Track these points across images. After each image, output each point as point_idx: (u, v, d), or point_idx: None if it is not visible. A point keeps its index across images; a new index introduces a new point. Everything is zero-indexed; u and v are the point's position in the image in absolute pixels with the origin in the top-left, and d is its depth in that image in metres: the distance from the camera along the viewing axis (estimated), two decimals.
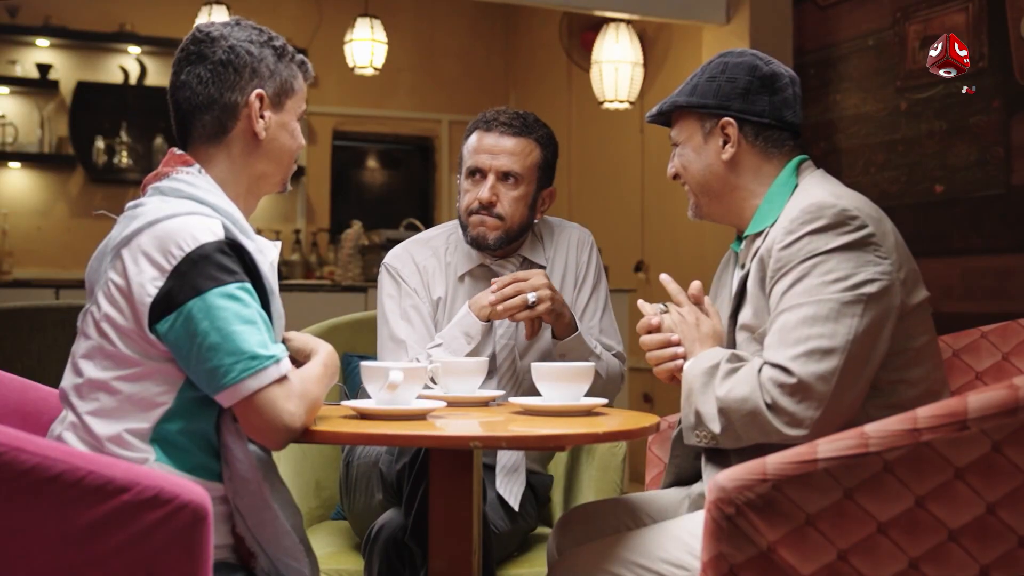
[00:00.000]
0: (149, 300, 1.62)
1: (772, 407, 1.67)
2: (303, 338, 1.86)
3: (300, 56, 1.90)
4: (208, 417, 1.67)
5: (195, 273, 1.61)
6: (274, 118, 1.83)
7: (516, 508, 2.35)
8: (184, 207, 1.69)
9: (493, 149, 2.43)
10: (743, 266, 1.91)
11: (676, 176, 2.02)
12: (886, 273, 1.73)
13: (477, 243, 2.44)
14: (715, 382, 1.75)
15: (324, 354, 1.81)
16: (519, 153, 2.42)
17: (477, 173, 2.44)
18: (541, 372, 1.98)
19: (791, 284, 1.74)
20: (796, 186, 1.89)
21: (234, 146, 1.81)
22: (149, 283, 1.62)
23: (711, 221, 2.03)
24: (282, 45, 1.86)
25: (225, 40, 1.80)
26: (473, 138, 2.47)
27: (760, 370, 1.70)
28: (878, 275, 1.72)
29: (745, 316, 1.86)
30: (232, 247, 1.67)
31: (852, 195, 1.83)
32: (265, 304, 1.71)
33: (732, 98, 1.92)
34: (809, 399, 1.65)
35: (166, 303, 1.61)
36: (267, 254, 1.77)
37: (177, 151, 1.82)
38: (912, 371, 1.77)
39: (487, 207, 2.41)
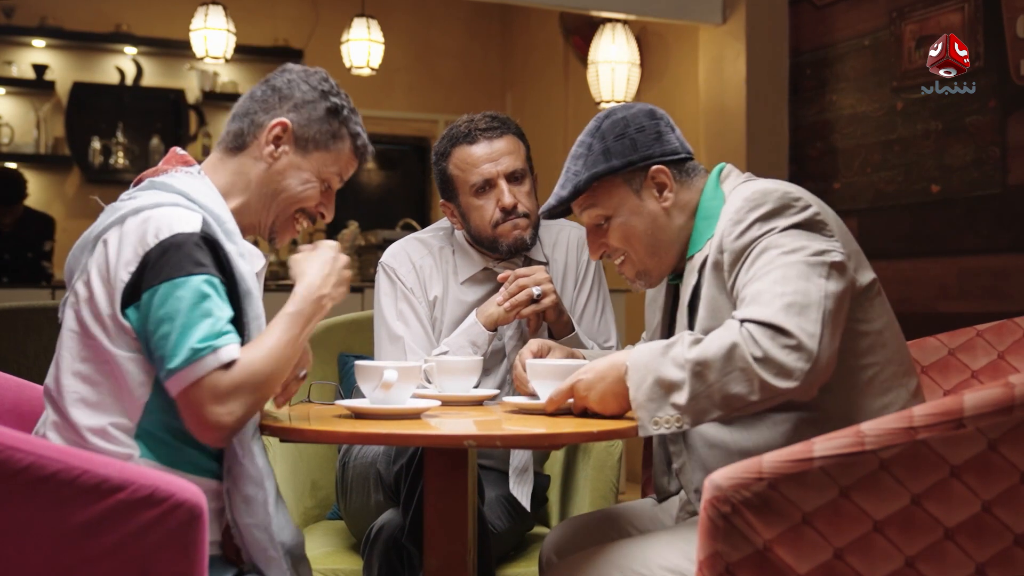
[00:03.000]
0: (122, 285, 1.62)
1: (762, 359, 1.59)
2: (299, 260, 1.80)
3: (360, 132, 1.88)
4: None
5: (163, 261, 1.60)
6: (291, 156, 1.83)
7: (528, 508, 2.35)
8: (169, 199, 1.69)
9: (491, 156, 2.38)
10: (685, 283, 1.88)
11: (606, 255, 1.96)
12: (838, 250, 1.71)
13: (515, 249, 2.40)
14: (679, 351, 1.66)
15: (299, 293, 1.72)
16: (514, 151, 2.40)
17: (487, 186, 2.38)
18: (536, 370, 1.97)
19: (752, 263, 1.72)
20: (724, 194, 1.87)
21: (245, 161, 1.83)
22: (123, 268, 1.63)
23: (659, 280, 1.97)
24: (340, 106, 1.86)
25: (291, 74, 1.86)
26: (459, 154, 2.40)
27: (742, 326, 1.63)
28: (832, 247, 1.71)
29: (703, 321, 1.82)
30: (206, 241, 1.65)
31: (792, 184, 1.82)
32: (237, 305, 1.68)
33: (650, 145, 1.90)
34: (800, 351, 1.59)
35: (134, 288, 1.61)
36: (250, 261, 1.75)
37: (179, 151, 1.83)
38: (877, 354, 1.77)
39: (512, 211, 2.37)
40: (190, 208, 1.69)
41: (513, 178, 2.39)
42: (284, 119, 1.82)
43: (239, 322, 1.67)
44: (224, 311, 1.62)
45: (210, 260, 1.64)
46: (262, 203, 1.83)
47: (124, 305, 1.62)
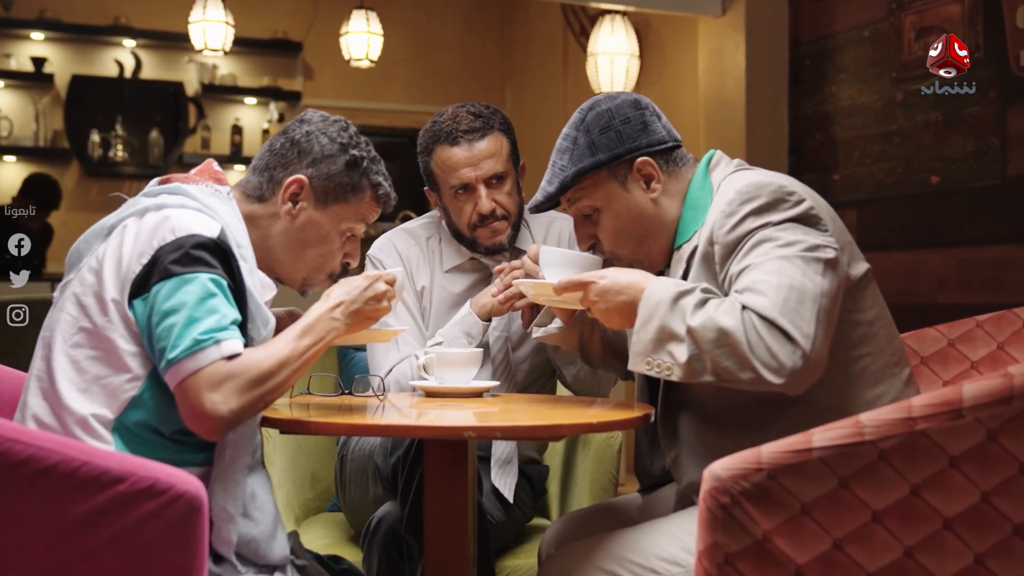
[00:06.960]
0: (133, 276, 1.62)
1: (758, 351, 1.60)
2: (334, 286, 1.83)
3: (381, 182, 1.88)
4: (175, 412, 1.62)
5: (174, 257, 1.61)
6: (311, 212, 1.84)
7: (510, 499, 2.35)
8: (193, 205, 1.70)
9: (472, 160, 2.35)
10: (672, 273, 1.88)
11: (595, 246, 1.94)
12: (832, 246, 1.71)
13: (493, 251, 2.40)
14: (687, 308, 1.67)
15: (314, 310, 1.74)
16: (496, 152, 2.36)
17: (465, 189, 2.37)
18: (549, 257, 1.95)
19: (746, 254, 1.71)
20: (712, 184, 1.86)
21: (265, 214, 1.84)
22: (136, 259, 1.63)
23: (650, 270, 1.91)
24: (360, 158, 1.86)
25: (310, 125, 1.86)
26: (440, 154, 2.38)
27: (744, 311, 1.63)
28: (827, 243, 1.71)
29: None
30: (220, 248, 1.65)
31: (784, 176, 1.81)
32: (242, 309, 1.67)
33: (636, 137, 1.88)
34: (795, 350, 1.60)
35: (144, 280, 1.61)
36: (258, 283, 1.74)
37: (215, 167, 1.84)
38: (869, 344, 1.77)
39: (491, 215, 2.36)
40: (212, 218, 1.69)
41: (493, 180, 2.37)
42: (301, 176, 1.82)
43: (243, 330, 1.65)
44: (231, 311, 1.61)
45: (220, 264, 1.64)
46: (288, 259, 1.85)
47: (132, 296, 1.61)
